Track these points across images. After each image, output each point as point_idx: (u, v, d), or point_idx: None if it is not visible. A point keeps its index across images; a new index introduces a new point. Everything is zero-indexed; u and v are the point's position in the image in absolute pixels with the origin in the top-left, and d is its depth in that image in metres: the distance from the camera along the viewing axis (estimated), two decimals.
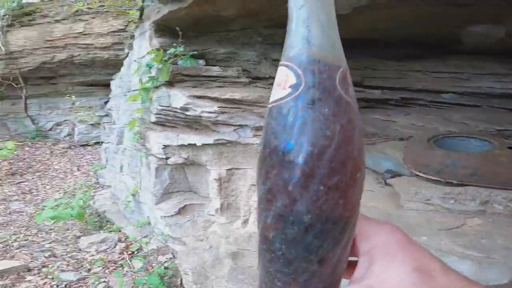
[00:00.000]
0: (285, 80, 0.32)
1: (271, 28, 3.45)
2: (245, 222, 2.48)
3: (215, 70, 2.89)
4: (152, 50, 2.92)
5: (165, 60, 2.73)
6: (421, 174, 1.72)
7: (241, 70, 3.02)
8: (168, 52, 2.75)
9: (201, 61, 3.03)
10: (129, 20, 6.90)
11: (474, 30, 2.70)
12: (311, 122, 0.29)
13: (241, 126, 2.70)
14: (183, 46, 2.80)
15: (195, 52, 2.90)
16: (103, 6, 7.31)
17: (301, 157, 0.29)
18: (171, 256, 3.03)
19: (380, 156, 2.18)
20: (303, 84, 0.30)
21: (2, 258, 3.14)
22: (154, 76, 2.76)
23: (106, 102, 7.84)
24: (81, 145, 7.42)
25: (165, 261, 3.00)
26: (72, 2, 7.45)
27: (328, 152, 0.29)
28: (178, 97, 2.62)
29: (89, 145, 7.45)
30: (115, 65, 7.24)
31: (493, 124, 2.61)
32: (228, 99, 2.57)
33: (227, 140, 2.70)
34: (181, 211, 3.01)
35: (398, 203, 1.76)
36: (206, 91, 2.67)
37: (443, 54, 3.42)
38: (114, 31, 7.13)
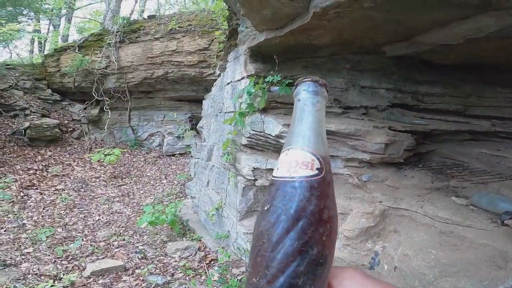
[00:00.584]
0: (311, 163, 0.43)
1: (359, 55, 3.35)
2: None
3: None
4: (249, 76, 3.06)
5: (263, 88, 2.84)
6: None
7: (332, 99, 2.98)
8: (266, 80, 2.84)
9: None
10: (212, 39, 7.39)
11: None
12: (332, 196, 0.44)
13: (332, 156, 2.66)
14: (279, 74, 2.87)
15: (291, 81, 2.97)
16: (191, 25, 7.88)
17: None
18: (245, 269, 3.10)
19: (495, 196, 1.96)
20: (324, 169, 0.43)
21: (104, 256, 3.59)
22: (252, 103, 2.88)
23: (190, 117, 8.56)
24: (167, 155, 8.16)
25: (239, 274, 3.08)
26: (167, 20, 8.20)
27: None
28: (273, 124, 2.70)
29: (174, 156, 8.15)
30: (200, 81, 7.82)
31: None
32: None
33: None
34: None
35: None
36: None
37: None
38: (199, 50, 7.63)
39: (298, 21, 2.63)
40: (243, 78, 3.21)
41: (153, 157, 7.99)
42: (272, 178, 0.45)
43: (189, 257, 3.61)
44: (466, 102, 3.44)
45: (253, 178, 2.95)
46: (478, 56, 2.84)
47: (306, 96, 0.47)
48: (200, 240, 3.93)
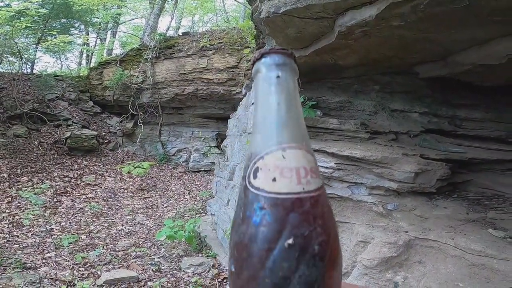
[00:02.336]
0: (317, 167, 0.33)
1: (389, 75, 3.21)
2: (345, 274, 2.23)
3: (332, 123, 2.79)
4: None
5: None
6: None
7: (359, 124, 2.84)
8: None
9: (319, 112, 2.99)
10: (241, 57, 7.44)
11: None
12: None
13: (355, 183, 2.50)
14: (302, 96, 2.82)
15: (315, 103, 2.90)
16: (221, 43, 7.93)
17: None
18: None
19: None
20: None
21: (120, 266, 3.60)
22: None
23: (217, 135, 8.65)
24: (193, 171, 8.26)
25: None
26: (199, 38, 8.31)
27: None
28: None
29: (199, 172, 8.23)
30: (228, 100, 7.87)
31: None
32: (346, 156, 2.43)
33: (338, 195, 2.54)
34: None
35: None
36: (322, 144, 2.59)
37: None
38: (228, 67, 7.65)
39: (323, 41, 2.59)
40: None
41: (179, 172, 8.12)
42: (271, 196, 0.31)
43: (202, 274, 3.55)
44: (509, 128, 3.16)
45: None
46: None
47: (277, 72, 0.35)
48: (215, 257, 3.87)
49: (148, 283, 3.27)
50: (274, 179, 0.31)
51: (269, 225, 0.30)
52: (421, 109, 3.22)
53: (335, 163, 2.41)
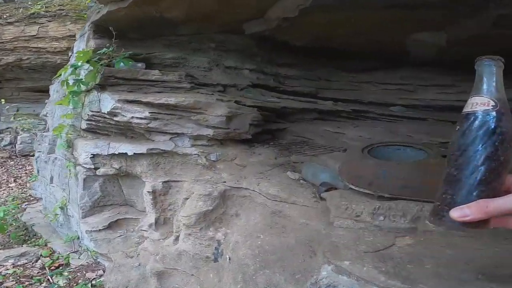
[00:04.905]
0: (487, 102, 0.57)
1: (224, 34, 3.30)
2: (176, 239, 2.24)
3: (154, 74, 2.67)
4: (80, 51, 2.66)
5: (95, 61, 2.49)
6: (353, 187, 1.58)
7: (184, 75, 2.81)
8: (98, 52, 2.51)
9: (140, 64, 2.80)
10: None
11: (418, 38, 2.71)
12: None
13: (177, 134, 2.48)
14: (116, 46, 2.57)
15: (130, 52, 2.68)
16: (63, 9, 7.03)
17: None
18: (102, 273, 2.76)
19: (318, 167, 2.04)
20: (498, 105, 0.56)
21: None
22: (81, 79, 2.49)
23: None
24: (23, 155, 6.81)
25: (94, 278, 2.72)
26: (30, 5, 7.17)
27: None
28: (107, 101, 2.38)
29: (32, 155, 6.89)
30: None
31: (437, 137, 2.58)
32: (162, 104, 2.36)
33: (162, 150, 2.47)
34: (112, 225, 2.73)
35: (328, 219, 1.61)
36: (140, 95, 2.44)
37: (392, 66, 3.44)
38: (70, 36, 6.71)
39: None
40: (77, 54, 2.78)
41: (1, 158, 6.57)
42: (463, 113, 0.56)
43: (26, 264, 3.03)
44: (318, 85, 3.75)
45: (93, 167, 2.57)
46: (328, 38, 3.04)
47: (484, 66, 0.57)
48: (46, 245, 3.36)
49: None
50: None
51: (462, 124, 0.58)
52: (251, 67, 3.46)
53: (149, 113, 2.32)
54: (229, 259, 1.81)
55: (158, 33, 3.18)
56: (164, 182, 2.53)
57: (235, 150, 2.59)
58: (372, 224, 1.43)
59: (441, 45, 2.61)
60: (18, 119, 7.19)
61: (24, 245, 3.36)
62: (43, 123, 6.94)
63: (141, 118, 2.32)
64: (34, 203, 4.41)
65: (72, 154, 2.75)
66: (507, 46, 1.82)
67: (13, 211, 3.76)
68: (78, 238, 3.02)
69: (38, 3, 7.17)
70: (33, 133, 7.02)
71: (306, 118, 3.48)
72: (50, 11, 7.00)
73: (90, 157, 2.53)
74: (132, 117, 2.33)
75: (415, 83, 3.21)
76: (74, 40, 6.76)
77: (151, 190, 2.48)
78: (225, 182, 2.26)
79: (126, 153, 2.46)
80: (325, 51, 3.41)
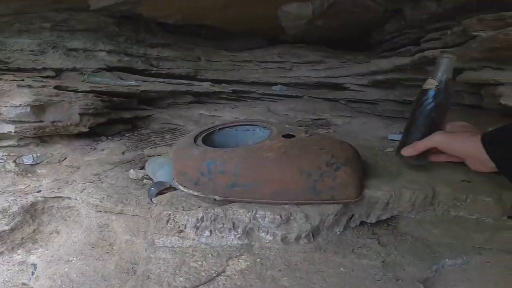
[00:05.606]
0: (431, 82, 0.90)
1: (66, 12, 2.58)
2: None
3: None
4: None
5: None
6: (181, 187, 1.14)
7: None
8: None
9: None
10: None
11: (288, 10, 2.48)
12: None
13: None
14: None
15: None
16: None
17: None
18: None
19: (157, 162, 1.56)
20: (439, 86, 0.89)
21: None
22: None
23: None
24: None
25: None
26: None
27: None
28: None
29: None
30: None
31: (310, 114, 2.37)
32: None
33: None
34: None
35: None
36: None
37: (271, 45, 3.21)
38: None
39: None
40: None
41: None
42: (422, 88, 0.88)
43: None
44: (197, 66, 3.30)
45: None
46: (201, 16, 2.66)
47: (439, 58, 0.87)
48: None
49: None
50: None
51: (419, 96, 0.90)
52: (110, 48, 2.82)
53: None
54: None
55: None
56: None
57: (67, 148, 1.95)
58: (199, 241, 1.01)
59: (309, 16, 2.41)
60: None
61: None
62: None
63: None
64: None
65: None
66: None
67: None
68: None
69: None
70: None
71: (180, 103, 3.00)
72: None
73: None
74: None
75: (291, 60, 3.01)
76: None
77: None
78: (40, 191, 1.64)
79: None
80: (204, 30, 3.03)
